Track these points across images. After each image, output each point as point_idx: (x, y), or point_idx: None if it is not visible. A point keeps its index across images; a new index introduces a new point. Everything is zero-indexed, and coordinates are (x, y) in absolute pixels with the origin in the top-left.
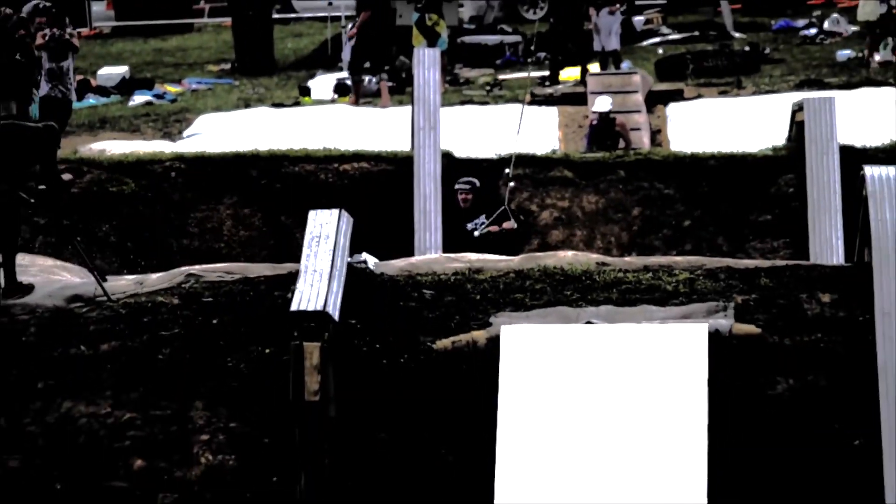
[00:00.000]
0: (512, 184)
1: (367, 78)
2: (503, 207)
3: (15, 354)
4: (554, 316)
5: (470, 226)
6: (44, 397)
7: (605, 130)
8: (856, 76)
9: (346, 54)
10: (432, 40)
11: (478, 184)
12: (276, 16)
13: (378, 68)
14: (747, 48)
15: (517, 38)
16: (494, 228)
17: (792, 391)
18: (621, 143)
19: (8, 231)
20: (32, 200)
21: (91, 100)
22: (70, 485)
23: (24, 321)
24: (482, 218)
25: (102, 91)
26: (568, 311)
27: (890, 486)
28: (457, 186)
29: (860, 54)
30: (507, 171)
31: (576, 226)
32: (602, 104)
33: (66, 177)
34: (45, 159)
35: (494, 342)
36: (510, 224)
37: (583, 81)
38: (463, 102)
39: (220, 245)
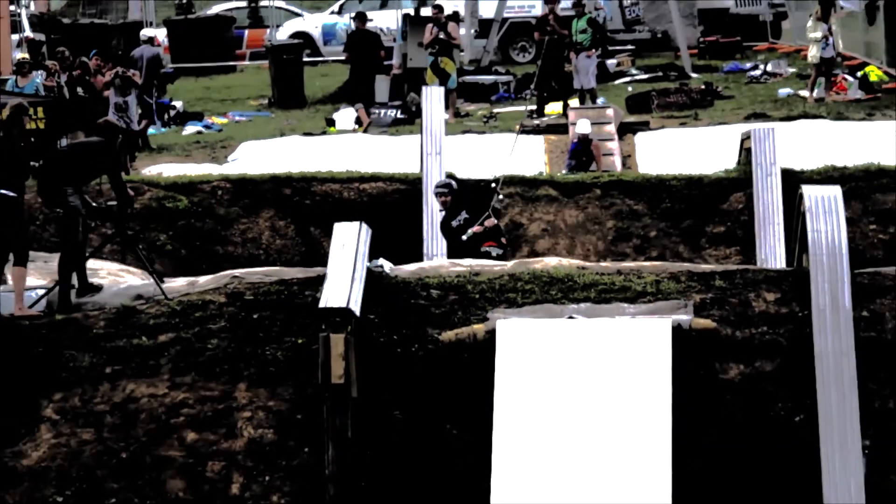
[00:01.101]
0: (500, 196)
1: (381, 111)
2: (487, 213)
3: (87, 344)
4: (542, 312)
5: (455, 223)
6: (111, 380)
7: (584, 150)
8: (794, 110)
9: None
10: (444, 80)
11: (454, 184)
12: (306, 59)
13: (357, 98)
14: (703, 86)
15: (509, 77)
16: (478, 229)
17: (742, 376)
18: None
19: (80, 239)
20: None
21: (151, 129)
22: (133, 454)
23: (95, 316)
24: (464, 213)
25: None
26: (553, 307)
27: (826, 454)
28: (435, 191)
29: (798, 92)
30: (495, 185)
31: (559, 236)
32: (583, 127)
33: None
34: (111, 171)
35: (491, 334)
36: (491, 221)
37: (564, 114)
38: (464, 132)
39: (259, 252)
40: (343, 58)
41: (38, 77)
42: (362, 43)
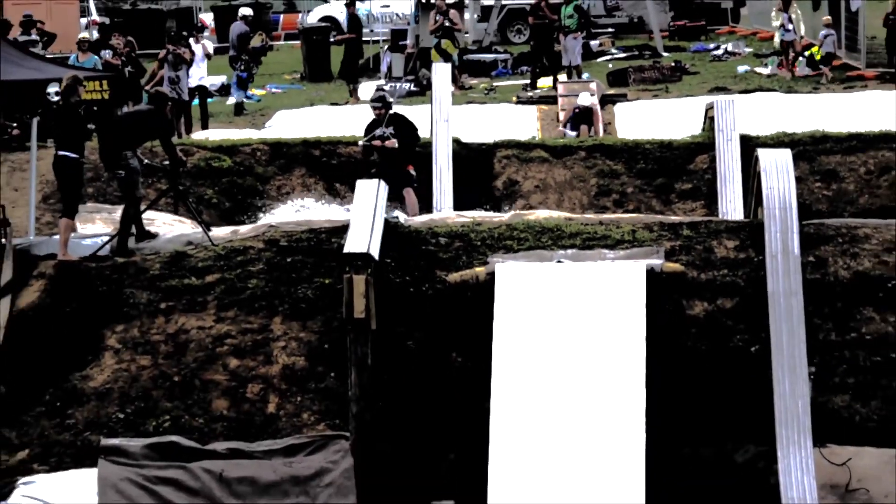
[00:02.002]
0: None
1: (397, 84)
2: (389, 132)
3: (144, 284)
4: (534, 256)
5: (378, 132)
6: (165, 314)
7: (584, 118)
8: (751, 84)
9: (383, 67)
10: (446, 58)
11: (389, 98)
12: (332, 39)
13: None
14: (673, 64)
15: (507, 56)
16: (377, 143)
17: (706, 312)
18: (591, 130)
19: (137, 194)
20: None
21: (233, 97)
22: (184, 378)
23: (151, 259)
24: (389, 130)
25: (208, 93)
26: (544, 253)
27: (777, 379)
28: (371, 104)
29: (754, 69)
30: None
31: (549, 192)
32: (584, 99)
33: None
34: (163, 135)
35: (491, 276)
36: (392, 143)
37: (554, 87)
38: (468, 102)
39: (292, 203)
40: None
41: (106, 53)
42: (353, 26)
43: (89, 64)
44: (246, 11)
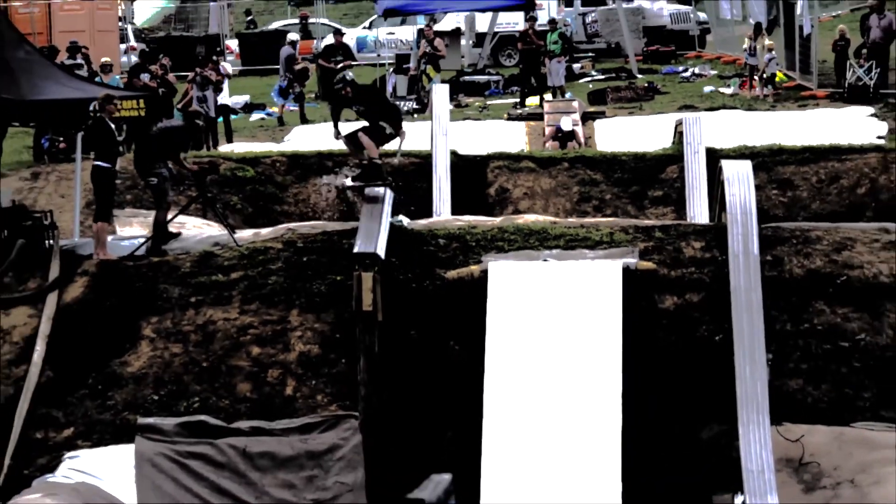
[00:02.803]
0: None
1: (401, 103)
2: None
3: (176, 280)
4: (523, 255)
5: (354, 108)
6: (195, 307)
7: (565, 137)
8: (715, 103)
9: (389, 87)
10: (429, 81)
11: (348, 77)
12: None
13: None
14: (646, 85)
15: (499, 77)
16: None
17: (675, 305)
18: (573, 145)
19: (167, 200)
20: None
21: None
22: (211, 364)
23: (183, 259)
24: (360, 108)
25: (233, 111)
26: (532, 252)
27: (739, 365)
28: (338, 85)
29: (718, 89)
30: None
31: (536, 198)
32: (566, 123)
33: (202, 166)
34: (194, 146)
35: (485, 273)
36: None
37: (540, 106)
38: (464, 118)
39: (308, 210)
40: (373, 63)
41: (144, 76)
42: (342, 52)
43: (113, 83)
44: (293, 37)
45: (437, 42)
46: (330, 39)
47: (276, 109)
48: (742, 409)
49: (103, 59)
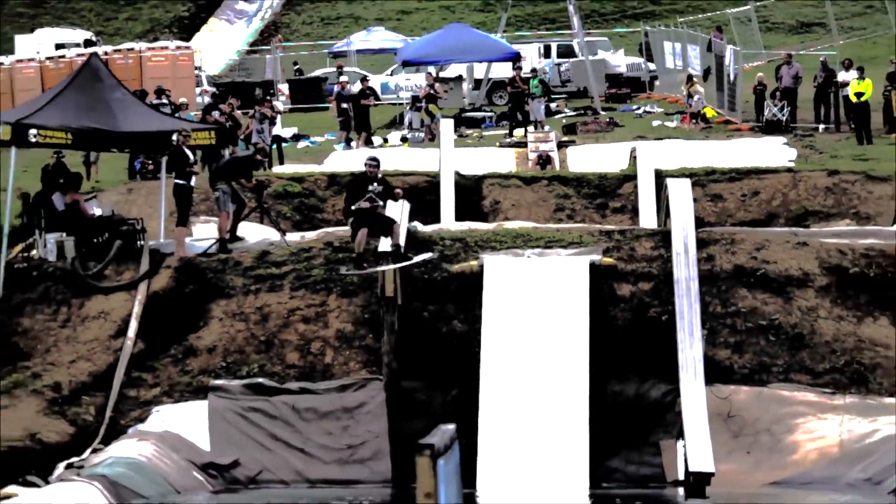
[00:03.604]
0: (429, 255)
1: (415, 133)
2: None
3: (240, 272)
4: (511, 253)
5: (370, 188)
6: (254, 293)
7: (546, 160)
8: (661, 134)
9: (406, 121)
10: (431, 117)
11: (379, 162)
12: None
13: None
14: (608, 119)
15: (492, 113)
16: (366, 204)
17: (630, 292)
18: (551, 166)
19: (232, 210)
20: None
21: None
22: (267, 338)
23: (245, 255)
24: (379, 188)
25: (284, 140)
26: (518, 251)
27: (680, 339)
28: (366, 162)
29: (664, 123)
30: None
31: (522, 208)
32: (546, 148)
33: (260, 182)
34: (247, 174)
35: (482, 267)
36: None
37: (525, 136)
38: (465, 146)
39: (343, 218)
40: (393, 101)
41: (216, 113)
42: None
43: (189, 118)
44: (344, 79)
45: (437, 87)
46: (359, 85)
47: (316, 139)
48: (683, 372)
49: (181, 100)
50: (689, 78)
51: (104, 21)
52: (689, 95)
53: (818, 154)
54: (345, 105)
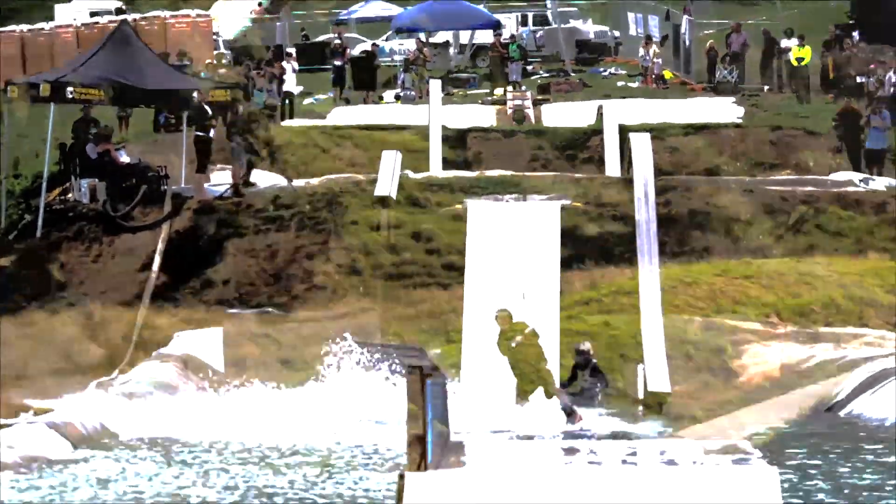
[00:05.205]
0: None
1: (407, 92)
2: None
3: (251, 214)
4: (492, 198)
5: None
6: (264, 232)
7: (521, 114)
8: (625, 93)
9: (399, 81)
10: (420, 79)
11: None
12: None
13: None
14: (578, 80)
15: (475, 74)
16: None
17: (598, 234)
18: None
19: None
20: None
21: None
22: (275, 272)
23: (256, 199)
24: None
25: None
26: (499, 196)
27: (641, 270)
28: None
29: (627, 83)
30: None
31: (500, 159)
32: (522, 104)
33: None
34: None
35: (465, 209)
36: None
37: (504, 95)
38: (452, 103)
39: (344, 166)
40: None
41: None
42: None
43: (206, 75)
44: (337, 42)
45: (426, 51)
46: (361, 47)
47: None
48: (643, 303)
49: (206, 61)
50: (649, 38)
51: None
52: (645, 57)
53: (763, 112)
54: (338, 63)
